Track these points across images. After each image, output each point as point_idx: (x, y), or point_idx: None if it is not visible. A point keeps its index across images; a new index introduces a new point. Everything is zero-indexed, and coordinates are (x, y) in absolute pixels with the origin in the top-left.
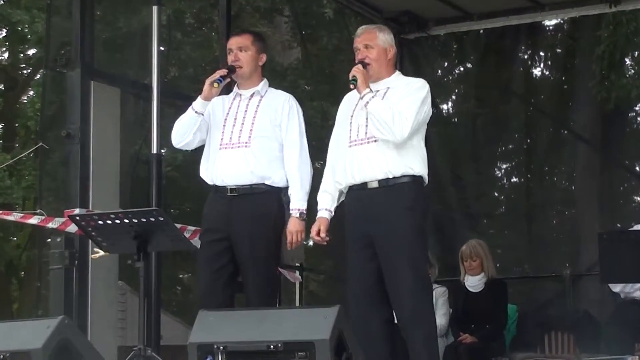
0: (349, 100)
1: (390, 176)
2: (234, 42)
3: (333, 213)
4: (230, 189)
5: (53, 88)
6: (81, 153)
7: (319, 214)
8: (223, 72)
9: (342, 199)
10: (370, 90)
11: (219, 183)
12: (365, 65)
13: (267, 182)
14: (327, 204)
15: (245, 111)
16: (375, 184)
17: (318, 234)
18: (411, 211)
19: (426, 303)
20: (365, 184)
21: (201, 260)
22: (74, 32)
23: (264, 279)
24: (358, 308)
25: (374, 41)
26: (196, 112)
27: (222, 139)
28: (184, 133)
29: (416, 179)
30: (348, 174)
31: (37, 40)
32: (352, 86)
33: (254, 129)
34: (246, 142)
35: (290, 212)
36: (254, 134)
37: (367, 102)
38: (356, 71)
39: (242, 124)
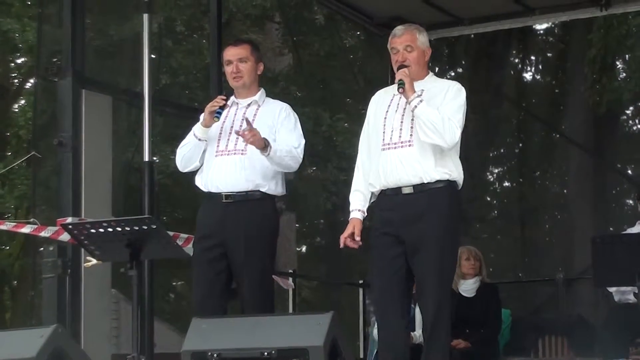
0: (381, 99)
1: (426, 181)
2: (233, 54)
3: (366, 214)
4: (225, 195)
5: (44, 96)
6: (73, 161)
7: (352, 215)
8: (221, 101)
9: (372, 200)
10: (418, 94)
11: (213, 190)
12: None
13: (262, 190)
14: (359, 204)
15: (242, 120)
16: (409, 190)
17: (352, 237)
18: (447, 218)
19: (445, 314)
20: (399, 188)
21: (196, 267)
22: (65, 41)
23: (259, 286)
24: (382, 308)
25: (415, 43)
26: (199, 139)
27: (217, 146)
28: (189, 159)
29: (451, 184)
30: (381, 177)
31: (28, 49)
32: (400, 90)
33: None
34: (242, 150)
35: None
36: None
37: (415, 107)
38: (403, 75)
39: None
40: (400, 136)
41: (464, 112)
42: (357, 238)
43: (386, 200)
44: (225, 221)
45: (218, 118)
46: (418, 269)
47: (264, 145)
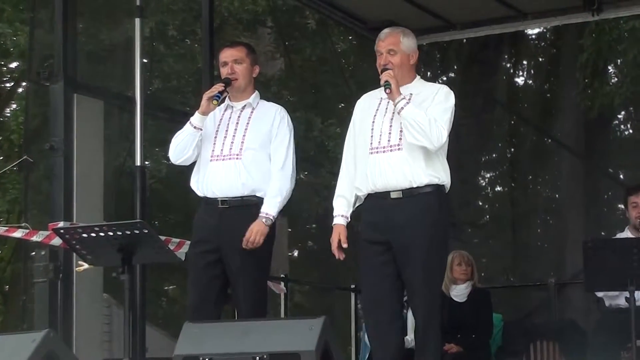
0: (368, 103)
1: (415, 185)
2: (228, 55)
3: (349, 219)
4: (221, 200)
5: (36, 101)
6: (65, 166)
7: (335, 220)
8: (220, 87)
9: (359, 204)
10: (404, 96)
11: (209, 195)
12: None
13: (258, 194)
14: (343, 210)
15: (237, 123)
16: (398, 194)
17: (339, 246)
18: (436, 223)
19: (435, 320)
20: (387, 193)
21: (191, 271)
22: (57, 45)
23: (255, 291)
24: (373, 314)
25: (398, 46)
26: (195, 127)
27: (213, 150)
28: (183, 149)
29: (440, 188)
30: (369, 181)
31: (19, 54)
32: (387, 91)
33: (245, 141)
34: (237, 154)
35: (260, 215)
36: (245, 146)
37: (402, 108)
38: (388, 76)
39: (234, 136)
40: (389, 140)
41: (451, 114)
42: (345, 245)
43: (373, 204)
44: (221, 226)
45: (217, 100)
46: (408, 274)
47: (268, 225)
